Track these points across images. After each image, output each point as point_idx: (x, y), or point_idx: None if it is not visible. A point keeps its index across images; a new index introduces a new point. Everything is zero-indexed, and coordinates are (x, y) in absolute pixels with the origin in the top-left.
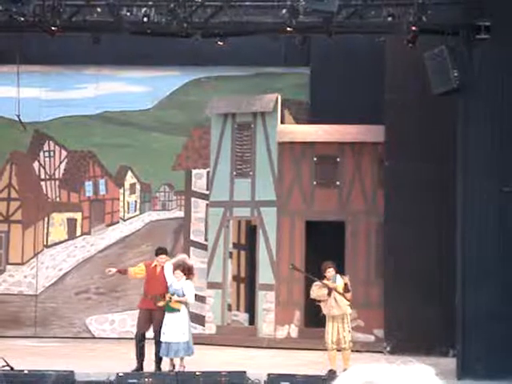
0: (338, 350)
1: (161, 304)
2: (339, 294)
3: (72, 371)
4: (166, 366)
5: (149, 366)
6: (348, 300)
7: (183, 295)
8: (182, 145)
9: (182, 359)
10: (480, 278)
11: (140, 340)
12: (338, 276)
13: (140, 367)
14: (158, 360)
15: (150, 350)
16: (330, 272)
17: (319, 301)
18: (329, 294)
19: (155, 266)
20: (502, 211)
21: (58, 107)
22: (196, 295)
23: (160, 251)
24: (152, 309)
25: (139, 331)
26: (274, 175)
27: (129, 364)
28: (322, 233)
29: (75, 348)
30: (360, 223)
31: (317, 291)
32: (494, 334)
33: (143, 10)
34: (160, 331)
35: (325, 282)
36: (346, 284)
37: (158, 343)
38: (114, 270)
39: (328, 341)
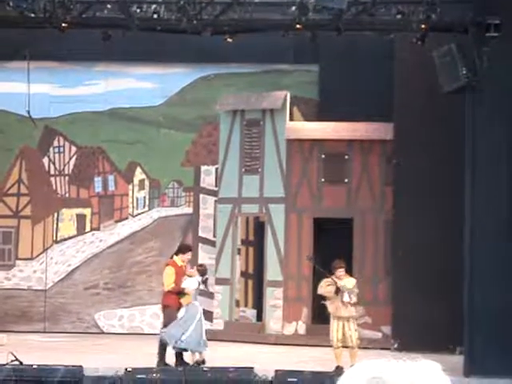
0: (345, 347)
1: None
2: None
3: (81, 366)
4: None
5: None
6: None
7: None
8: (191, 141)
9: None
10: (487, 275)
11: None
12: (350, 279)
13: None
14: (180, 352)
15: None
16: (341, 272)
17: (325, 298)
18: (336, 293)
19: (181, 266)
20: (509, 209)
21: (67, 103)
22: (204, 291)
23: (187, 249)
24: (181, 305)
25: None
26: (283, 172)
27: (137, 359)
28: (330, 230)
29: (84, 343)
30: (368, 220)
31: (325, 287)
32: (500, 332)
33: (153, 6)
34: None
35: (335, 278)
36: (356, 302)
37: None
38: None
39: (333, 338)
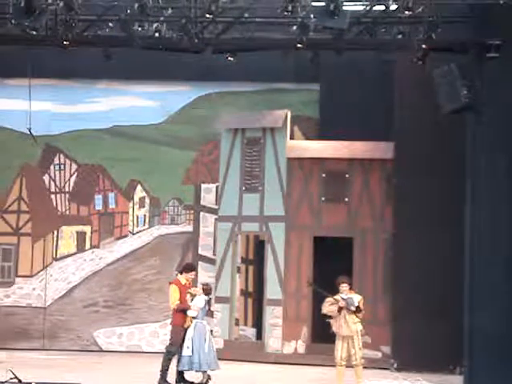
0: (348, 367)
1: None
2: (350, 312)
3: None
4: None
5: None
6: (359, 318)
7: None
8: (192, 159)
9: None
10: (488, 296)
11: (174, 355)
12: (356, 295)
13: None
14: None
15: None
16: (344, 287)
17: (330, 317)
18: (339, 312)
19: (185, 284)
20: (510, 228)
21: (69, 121)
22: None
23: (191, 268)
24: (189, 325)
25: (177, 346)
26: (283, 190)
27: (136, 377)
28: (330, 249)
29: (83, 361)
30: (368, 239)
31: (327, 307)
32: (501, 352)
33: (155, 25)
34: None
35: (336, 297)
36: (357, 307)
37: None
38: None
39: (337, 357)
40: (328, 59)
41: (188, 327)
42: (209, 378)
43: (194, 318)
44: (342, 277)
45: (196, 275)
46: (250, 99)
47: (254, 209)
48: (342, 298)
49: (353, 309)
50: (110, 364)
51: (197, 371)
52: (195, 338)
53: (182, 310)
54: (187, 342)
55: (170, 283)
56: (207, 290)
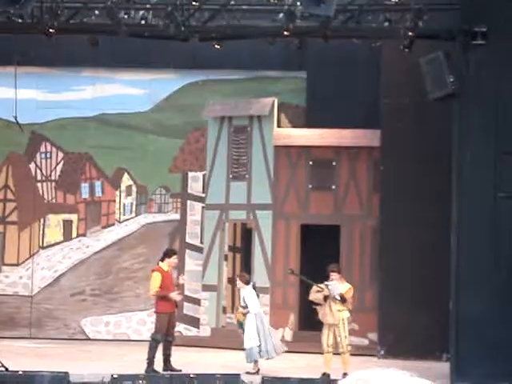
0: (336, 354)
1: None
2: (335, 301)
3: (66, 372)
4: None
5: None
6: (346, 307)
7: (246, 306)
8: (179, 147)
9: (255, 362)
10: (474, 283)
11: (160, 342)
12: (344, 284)
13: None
14: (167, 358)
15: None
16: (333, 275)
17: (317, 304)
18: (325, 300)
19: (168, 270)
20: (496, 216)
21: (55, 109)
22: (193, 298)
23: (172, 252)
24: (173, 311)
25: (162, 334)
26: (270, 178)
27: (123, 365)
28: (317, 236)
29: (70, 349)
30: (355, 227)
31: (314, 294)
32: (487, 338)
33: (141, 12)
34: (173, 332)
35: (320, 285)
36: (342, 296)
37: (169, 343)
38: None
39: (324, 344)
40: (315, 47)
41: (171, 313)
42: (258, 369)
43: (244, 308)
44: (332, 265)
45: (183, 263)
46: (237, 87)
47: (241, 197)
48: (326, 285)
49: (336, 296)
50: (98, 352)
51: (267, 359)
52: (260, 328)
53: (163, 297)
54: (251, 333)
55: (153, 270)
56: (246, 280)
